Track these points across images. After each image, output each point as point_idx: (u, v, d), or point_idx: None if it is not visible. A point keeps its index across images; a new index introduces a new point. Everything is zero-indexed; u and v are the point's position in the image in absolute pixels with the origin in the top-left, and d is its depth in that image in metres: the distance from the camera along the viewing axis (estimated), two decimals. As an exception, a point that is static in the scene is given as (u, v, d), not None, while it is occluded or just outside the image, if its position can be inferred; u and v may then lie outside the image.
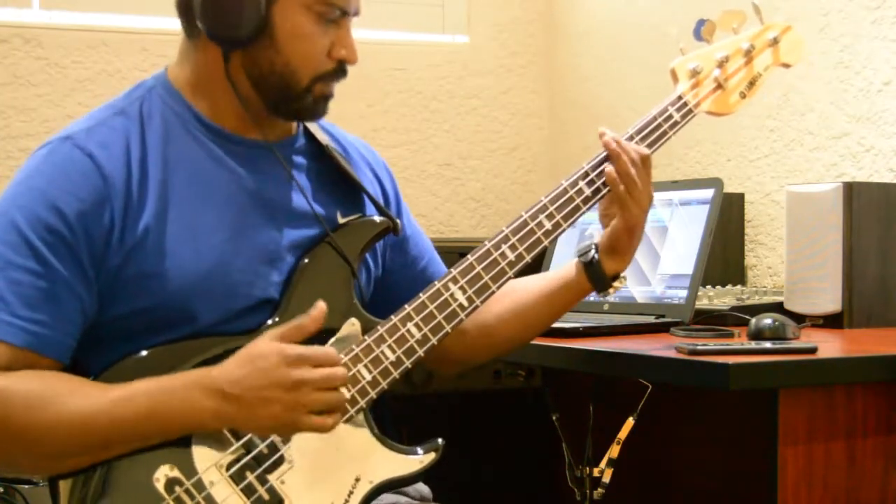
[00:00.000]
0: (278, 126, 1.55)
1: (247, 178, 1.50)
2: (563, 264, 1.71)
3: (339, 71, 1.50)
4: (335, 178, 1.60)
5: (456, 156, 3.37)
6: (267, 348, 1.37)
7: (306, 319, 1.41)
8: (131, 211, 1.42)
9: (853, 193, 2.09)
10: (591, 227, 2.40)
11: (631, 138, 1.63)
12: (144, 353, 1.42)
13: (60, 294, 1.38)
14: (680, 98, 1.66)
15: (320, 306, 1.42)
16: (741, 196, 2.63)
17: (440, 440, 1.52)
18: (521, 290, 1.67)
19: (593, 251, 1.63)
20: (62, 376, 1.38)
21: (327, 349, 1.41)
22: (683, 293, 2.14)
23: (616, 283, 1.65)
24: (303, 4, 1.45)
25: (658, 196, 2.30)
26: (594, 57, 3.26)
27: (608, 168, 1.59)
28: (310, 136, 1.60)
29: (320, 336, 1.48)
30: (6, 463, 1.43)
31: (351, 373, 1.46)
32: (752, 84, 1.69)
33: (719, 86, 1.67)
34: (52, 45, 2.91)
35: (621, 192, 1.58)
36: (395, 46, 3.27)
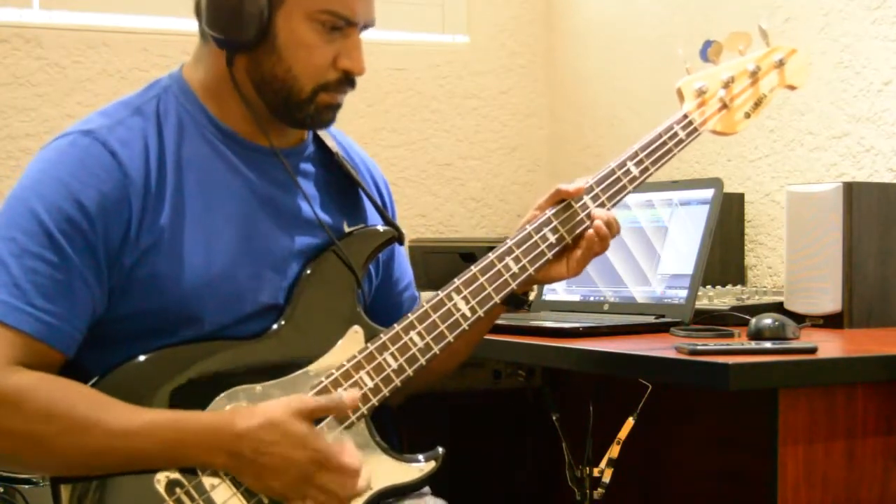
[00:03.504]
0: (289, 133, 1.55)
1: (257, 183, 1.51)
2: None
3: (345, 81, 1.49)
4: (343, 186, 1.61)
5: (456, 156, 3.37)
6: (302, 435, 1.37)
7: (347, 401, 1.42)
8: (148, 211, 1.42)
9: (853, 193, 2.09)
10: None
11: (636, 154, 1.64)
12: (150, 354, 1.42)
13: (75, 286, 1.38)
14: (685, 117, 1.67)
15: (352, 397, 1.43)
16: (741, 196, 2.63)
17: (440, 449, 1.52)
18: None
19: None
20: (88, 389, 1.38)
21: (352, 462, 1.40)
22: (683, 293, 2.15)
23: (525, 297, 1.64)
24: (306, 14, 1.45)
25: (658, 196, 2.30)
26: (594, 57, 3.26)
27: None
28: (319, 143, 1.60)
29: (324, 340, 1.48)
30: (17, 464, 1.43)
31: (352, 379, 1.46)
32: (757, 105, 1.71)
33: (724, 106, 1.69)
34: (52, 45, 2.91)
35: (578, 255, 1.59)
36: (395, 46, 3.27)
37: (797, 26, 2.53)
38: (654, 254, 2.25)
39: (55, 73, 2.92)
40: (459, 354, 1.69)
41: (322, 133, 1.61)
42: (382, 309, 1.61)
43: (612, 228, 1.61)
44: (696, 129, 1.67)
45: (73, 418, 1.34)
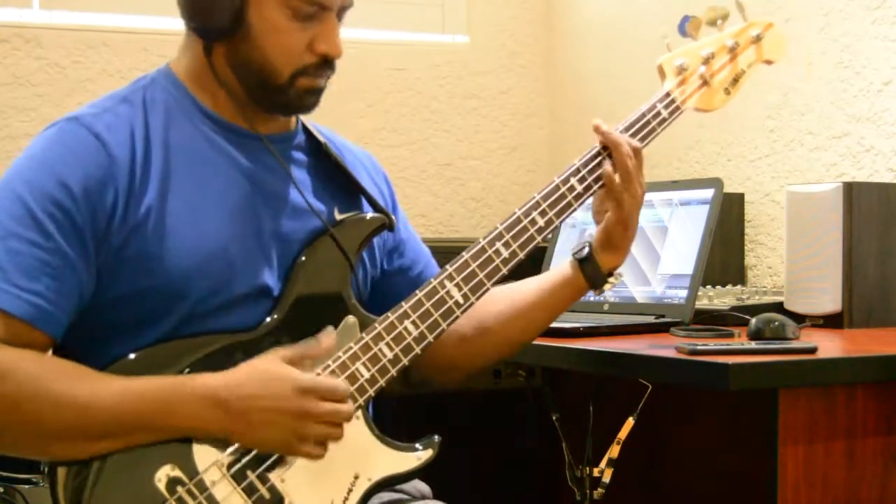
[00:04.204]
0: (277, 120, 1.56)
1: (249, 168, 1.51)
2: (560, 263, 1.71)
3: (324, 65, 1.49)
4: (333, 175, 1.61)
5: (456, 156, 3.37)
6: (281, 372, 1.39)
7: (317, 348, 1.43)
8: (134, 192, 1.42)
9: (853, 193, 2.09)
10: (590, 228, 2.40)
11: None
12: (144, 349, 1.42)
13: (60, 268, 1.38)
14: (668, 95, 1.68)
15: (329, 339, 1.45)
16: (741, 196, 2.63)
17: (436, 437, 1.52)
18: (519, 292, 1.67)
19: (587, 249, 1.64)
20: (69, 362, 1.38)
21: (338, 383, 1.43)
22: (683, 293, 2.15)
23: (612, 279, 1.65)
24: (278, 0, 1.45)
25: (658, 196, 2.30)
26: (594, 57, 3.27)
27: (605, 164, 1.60)
28: (308, 133, 1.61)
29: (318, 331, 1.48)
30: (3, 440, 1.42)
31: (349, 371, 1.46)
32: (735, 81, 1.71)
33: (705, 82, 1.69)
34: (52, 45, 2.92)
35: (617, 184, 1.59)
36: (395, 46, 3.27)
37: (797, 26, 2.53)
38: (654, 254, 2.25)
39: (55, 73, 2.92)
40: (538, 322, 1.69)
41: (309, 126, 1.61)
42: (406, 293, 1.56)
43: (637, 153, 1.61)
44: (678, 107, 1.67)
45: (56, 388, 1.33)
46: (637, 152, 1.62)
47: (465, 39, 3.39)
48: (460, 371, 1.71)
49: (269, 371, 1.40)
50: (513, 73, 3.43)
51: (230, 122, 1.52)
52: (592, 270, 1.63)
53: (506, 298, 1.66)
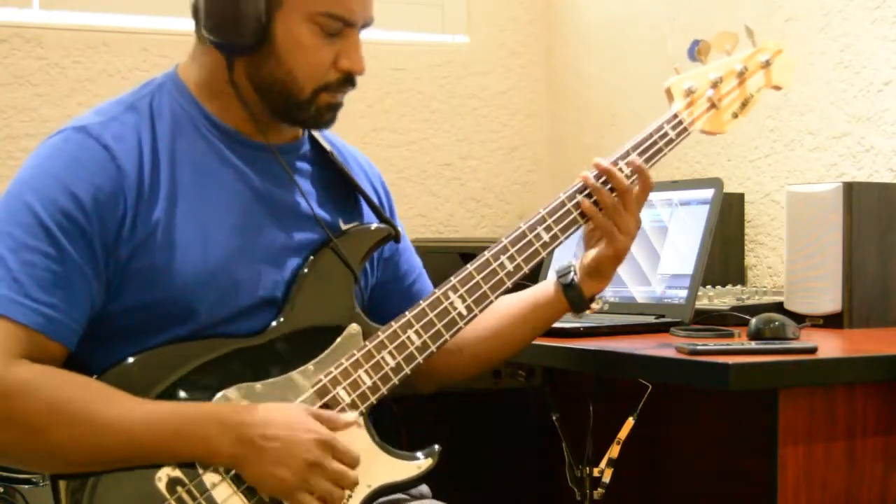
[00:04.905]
0: (284, 130, 1.56)
1: (253, 179, 1.51)
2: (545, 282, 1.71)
3: (346, 81, 1.50)
4: (338, 184, 1.61)
5: (456, 156, 3.37)
6: (307, 422, 1.40)
7: (343, 423, 1.44)
8: (143, 204, 1.43)
9: (853, 193, 2.09)
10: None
11: (627, 153, 1.64)
12: (149, 352, 1.42)
13: (72, 279, 1.38)
14: (675, 116, 1.68)
15: (350, 417, 1.45)
16: (741, 196, 2.63)
17: (437, 447, 1.53)
18: (506, 309, 1.68)
19: (572, 274, 1.64)
20: (90, 381, 1.39)
21: (353, 448, 1.43)
22: (683, 293, 2.15)
23: (593, 305, 1.67)
24: (305, 16, 1.45)
25: (658, 196, 2.30)
26: (594, 57, 3.27)
27: (585, 202, 1.60)
28: (314, 142, 1.61)
29: (322, 338, 1.49)
30: (19, 458, 1.42)
31: (351, 378, 1.47)
32: (744, 104, 1.72)
33: (713, 105, 1.70)
34: (52, 45, 2.92)
35: (604, 223, 1.59)
36: (395, 46, 3.27)
37: (797, 26, 2.53)
38: (654, 254, 2.25)
39: (55, 73, 2.92)
40: (520, 339, 1.69)
41: (315, 133, 1.61)
42: (396, 305, 1.60)
43: (644, 178, 1.61)
44: (686, 129, 1.68)
45: (75, 410, 1.34)
46: (645, 183, 1.61)
47: (465, 39, 3.39)
48: (437, 383, 1.71)
49: (297, 416, 1.40)
50: (513, 73, 3.43)
51: (238, 132, 1.52)
52: (576, 296, 1.64)
53: (496, 314, 1.66)
